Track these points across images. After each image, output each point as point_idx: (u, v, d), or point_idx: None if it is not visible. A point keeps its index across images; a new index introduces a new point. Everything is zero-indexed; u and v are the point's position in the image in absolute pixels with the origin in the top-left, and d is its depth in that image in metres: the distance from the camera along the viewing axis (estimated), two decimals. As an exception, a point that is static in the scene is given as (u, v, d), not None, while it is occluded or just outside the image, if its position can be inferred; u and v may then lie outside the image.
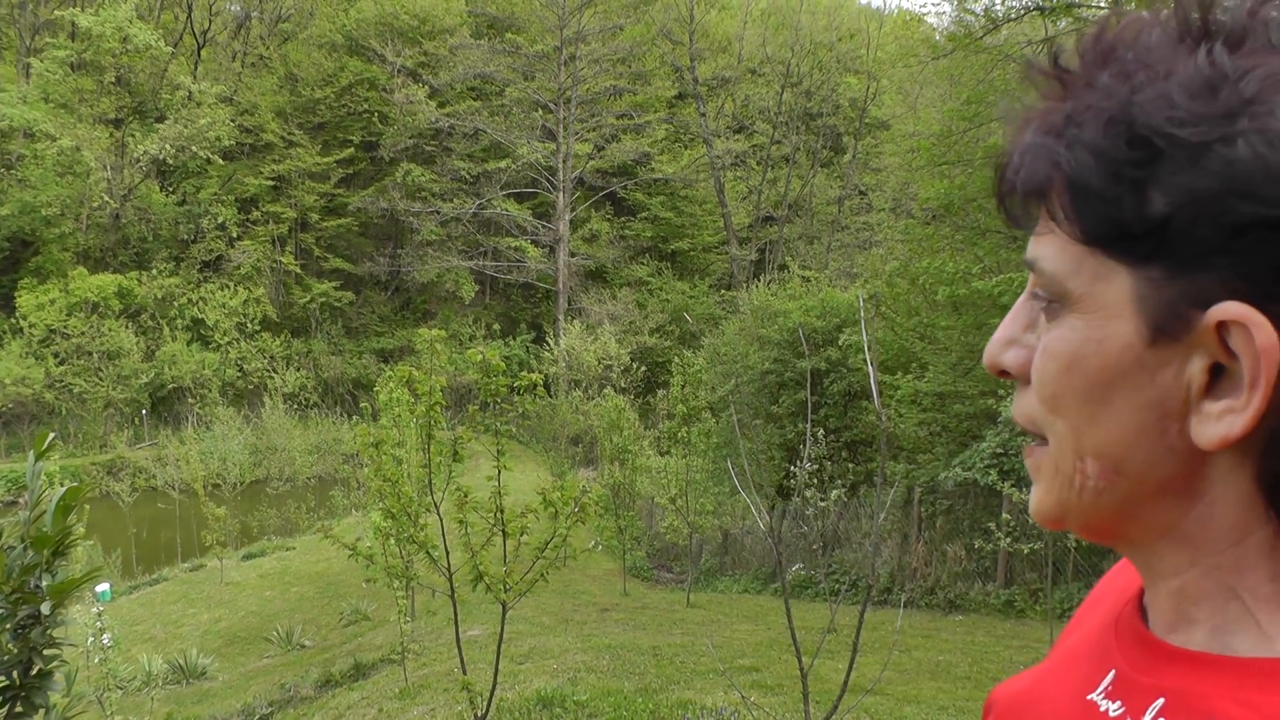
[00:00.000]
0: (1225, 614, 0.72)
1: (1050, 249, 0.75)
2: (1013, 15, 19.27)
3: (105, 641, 10.55)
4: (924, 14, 51.08)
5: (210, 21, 56.58)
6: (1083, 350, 0.73)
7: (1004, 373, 0.82)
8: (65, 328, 45.03)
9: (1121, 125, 0.68)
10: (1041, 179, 0.74)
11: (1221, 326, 0.66)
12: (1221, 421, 0.67)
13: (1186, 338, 0.68)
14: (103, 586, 19.82)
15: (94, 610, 10.86)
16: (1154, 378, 0.70)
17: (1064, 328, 0.75)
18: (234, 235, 52.33)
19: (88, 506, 17.02)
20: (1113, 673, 0.80)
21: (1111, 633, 0.84)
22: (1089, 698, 0.80)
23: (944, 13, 45.99)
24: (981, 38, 19.61)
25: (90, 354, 45.15)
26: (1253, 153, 0.64)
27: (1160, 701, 0.73)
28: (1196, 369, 0.68)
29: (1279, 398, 0.65)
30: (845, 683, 5.61)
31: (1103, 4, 17.86)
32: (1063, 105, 0.74)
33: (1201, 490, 0.71)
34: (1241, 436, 0.67)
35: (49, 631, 2.99)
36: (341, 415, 45.75)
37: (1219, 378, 0.68)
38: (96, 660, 10.52)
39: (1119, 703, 0.77)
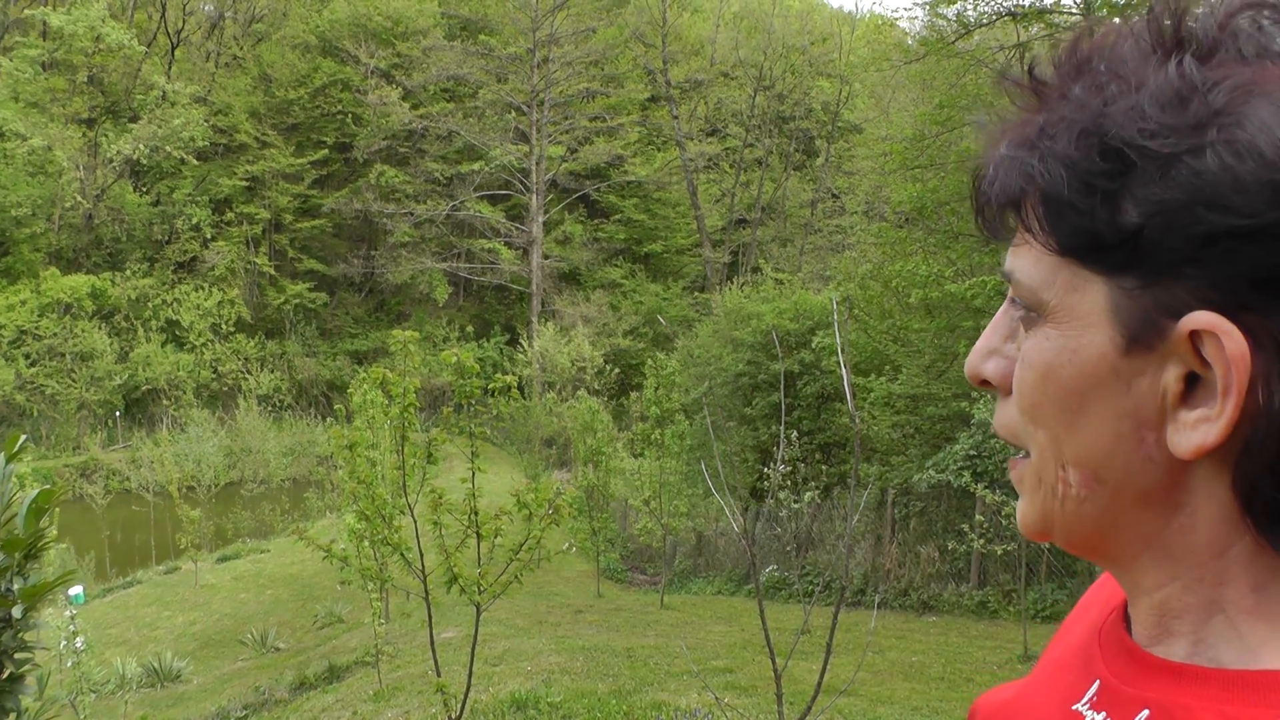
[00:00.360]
0: (1208, 626, 0.72)
1: (1026, 260, 0.75)
2: (985, 20, 19.36)
3: (78, 645, 10.50)
4: (896, 19, 51.43)
5: (184, 21, 56.31)
6: (1058, 360, 0.73)
7: (985, 383, 0.82)
8: (37, 329, 44.75)
9: (1093, 137, 0.68)
10: (1015, 191, 0.74)
11: (1194, 336, 0.66)
12: (1197, 430, 0.67)
13: (1161, 347, 0.68)
14: (76, 589, 19.72)
15: (67, 613, 10.80)
16: (1130, 386, 0.70)
17: (1040, 338, 0.75)
18: (208, 236, 52.09)
19: (59, 510, 16.93)
20: (1097, 683, 0.80)
21: (1095, 643, 0.84)
22: (1074, 708, 0.80)
23: (916, 17, 46.18)
24: (954, 42, 19.69)
25: (63, 355, 44.90)
26: (1220, 164, 0.64)
27: (1145, 713, 0.73)
28: (1171, 378, 0.68)
29: (1252, 406, 0.65)
30: (819, 684, 5.63)
31: (1075, 10, 17.96)
32: (1037, 117, 0.74)
33: (1182, 501, 0.71)
34: (1217, 445, 0.67)
35: (20, 635, 2.98)
36: (316, 417, 45.62)
37: (1194, 386, 0.68)
38: (69, 664, 10.46)
39: (1104, 713, 0.77)
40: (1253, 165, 0.64)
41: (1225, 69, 0.67)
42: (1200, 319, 0.66)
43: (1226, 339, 0.65)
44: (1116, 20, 0.76)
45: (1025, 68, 0.77)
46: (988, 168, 0.78)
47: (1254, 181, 0.63)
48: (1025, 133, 0.74)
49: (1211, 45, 0.69)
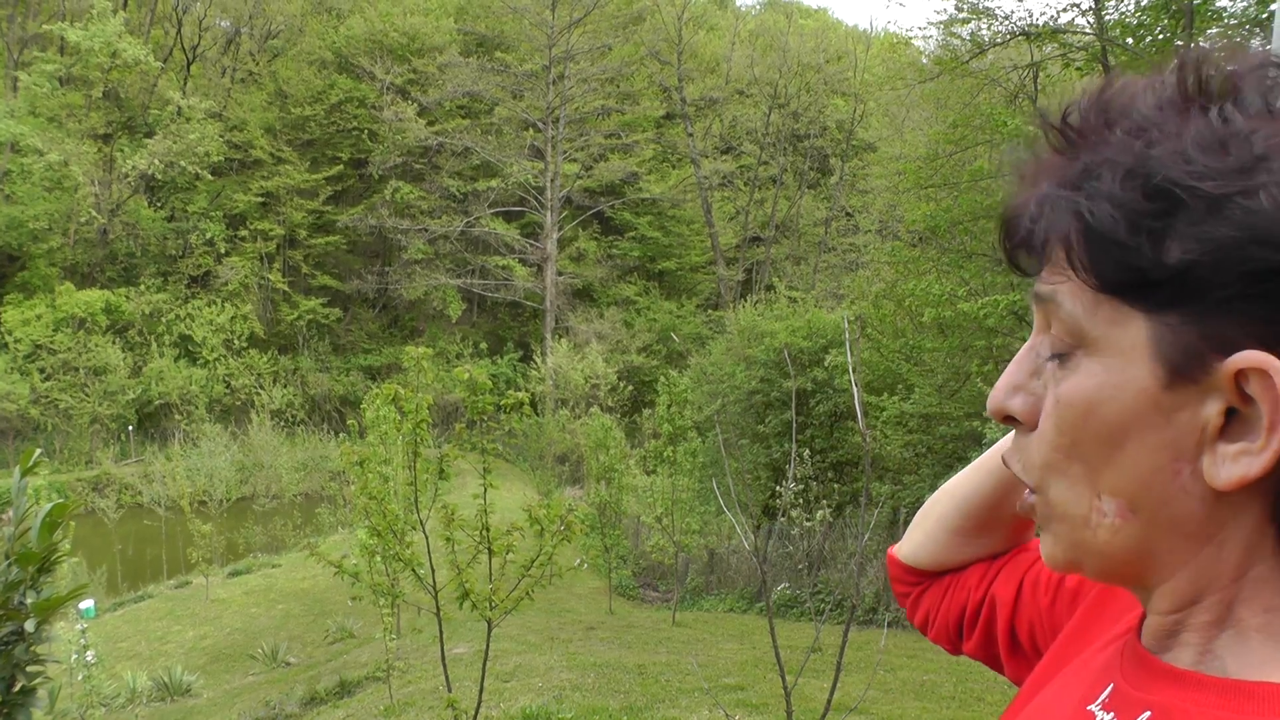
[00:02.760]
0: (1218, 640, 0.76)
1: (1065, 296, 0.78)
2: (998, 40, 19.38)
3: (89, 658, 10.52)
4: (911, 38, 51.15)
5: (200, 37, 56.55)
6: (1101, 395, 0.76)
7: (1009, 418, 0.84)
8: (51, 343, 44.83)
9: (1139, 178, 0.71)
10: (1062, 229, 0.76)
11: (1240, 373, 0.69)
12: (1238, 463, 0.70)
13: (1204, 380, 0.70)
14: (87, 603, 19.66)
15: (78, 627, 10.83)
16: (1169, 420, 0.73)
17: (1080, 374, 0.77)
18: (222, 251, 52.20)
19: (73, 523, 16.96)
20: (1111, 686, 0.84)
21: (1117, 651, 0.88)
22: (1088, 708, 0.85)
23: (931, 37, 46.10)
24: (968, 62, 19.72)
25: (77, 370, 44.94)
26: (1273, 203, 0.67)
27: (1147, 714, 0.77)
28: (1213, 412, 0.71)
29: None
30: (829, 702, 5.62)
31: (1088, 30, 17.98)
32: (1077, 158, 0.77)
33: (1213, 530, 0.74)
34: (1259, 477, 0.69)
35: (33, 649, 2.99)
36: (328, 432, 45.59)
37: (1232, 420, 0.71)
38: (80, 677, 10.49)
39: (1112, 714, 0.81)
40: None
41: (1258, 121, 0.70)
42: (1250, 358, 0.68)
43: (1278, 376, 0.67)
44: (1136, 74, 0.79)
45: (1060, 111, 0.80)
46: (1029, 205, 0.80)
47: None
48: (1067, 173, 0.77)
49: (1235, 99, 0.72)
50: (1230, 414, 0.70)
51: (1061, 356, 0.79)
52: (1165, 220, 0.69)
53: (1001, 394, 0.84)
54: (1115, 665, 0.86)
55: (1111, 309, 0.74)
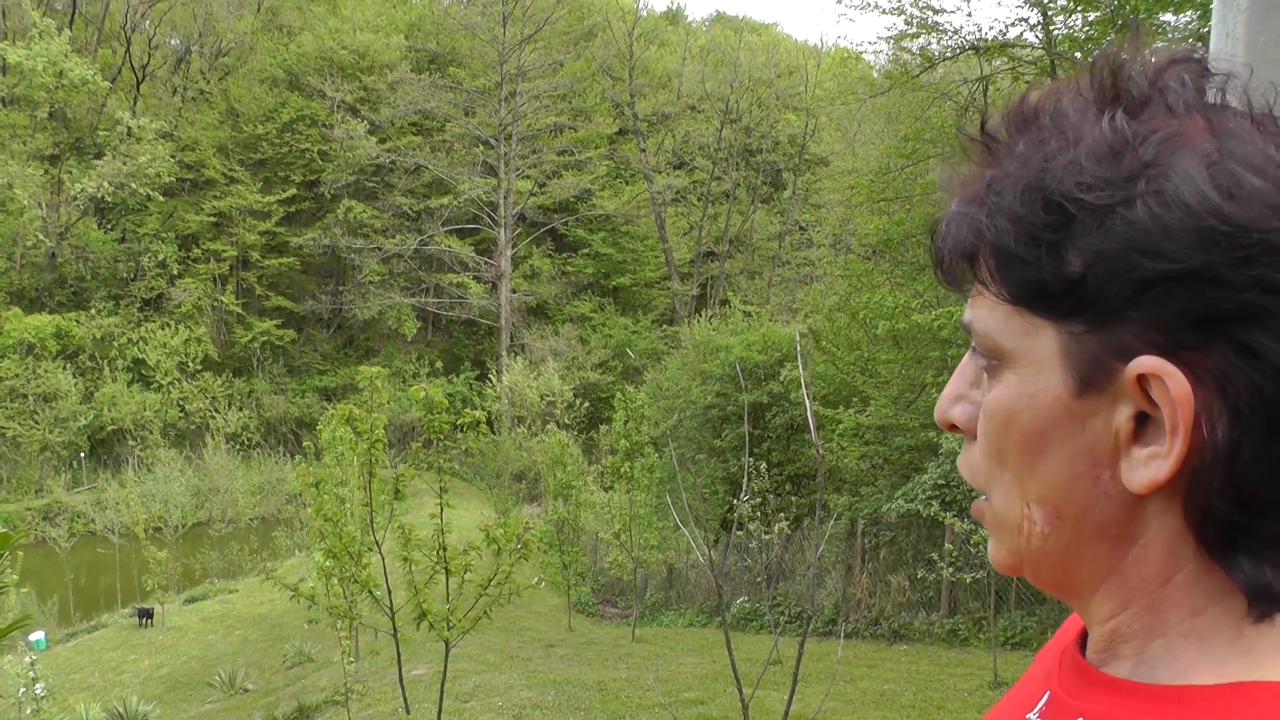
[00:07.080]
0: (1150, 648, 0.77)
1: (983, 310, 0.79)
2: (948, 54, 19.55)
3: (38, 691, 10.38)
4: (861, 53, 51.62)
5: (149, 56, 56.12)
6: (1018, 405, 0.77)
7: (954, 427, 0.86)
8: (-2, 370, 44.25)
9: (1036, 192, 0.72)
10: (967, 245, 0.78)
11: (1141, 379, 0.70)
12: (1149, 466, 0.71)
13: (1110, 388, 0.72)
14: (37, 635, 19.47)
15: (26, 659, 10.68)
16: (1084, 426, 0.74)
17: (1001, 385, 0.79)
18: (175, 273, 51.74)
19: (21, 554, 16.74)
20: (1047, 695, 0.85)
21: (1058, 662, 0.88)
22: (1027, 716, 0.86)
23: (881, 51, 46.49)
24: (918, 76, 19.88)
25: (25, 397, 44.35)
26: (1149, 213, 0.68)
27: None
28: (1123, 418, 0.72)
29: (1198, 439, 0.69)
30: (786, 713, 5.63)
31: (1036, 44, 18.17)
32: (986, 173, 0.78)
33: (1136, 533, 0.75)
34: (1167, 480, 0.71)
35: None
36: (284, 455, 45.32)
37: (1144, 424, 0.72)
38: (29, 711, 10.34)
39: None
40: (1179, 214, 0.68)
41: (1155, 122, 0.72)
42: (1146, 363, 0.69)
43: (1171, 382, 0.69)
44: (1064, 76, 0.79)
45: (979, 123, 0.81)
46: (941, 224, 0.82)
47: (1180, 229, 0.68)
48: (974, 189, 0.78)
49: (1144, 99, 0.73)
50: (1144, 419, 0.72)
51: (989, 367, 0.81)
52: (1061, 233, 0.71)
53: (945, 403, 0.86)
54: (1054, 673, 0.87)
55: (1023, 320, 0.76)
